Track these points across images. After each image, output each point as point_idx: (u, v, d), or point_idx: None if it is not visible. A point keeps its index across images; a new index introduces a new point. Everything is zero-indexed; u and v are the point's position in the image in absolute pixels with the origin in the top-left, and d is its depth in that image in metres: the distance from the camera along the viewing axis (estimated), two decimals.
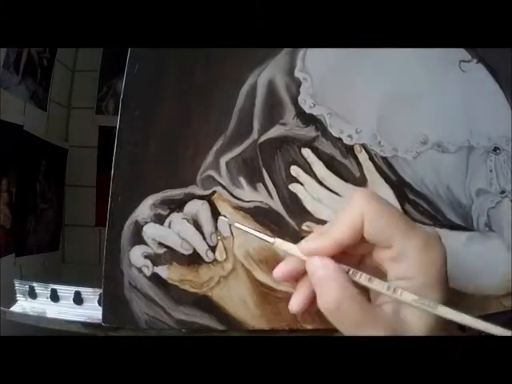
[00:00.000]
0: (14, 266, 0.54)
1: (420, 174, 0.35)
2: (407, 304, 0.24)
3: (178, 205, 0.35)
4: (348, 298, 0.24)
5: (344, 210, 0.25)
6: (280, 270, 0.27)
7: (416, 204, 0.35)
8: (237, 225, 0.30)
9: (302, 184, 0.35)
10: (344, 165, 0.35)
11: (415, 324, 0.24)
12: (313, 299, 0.26)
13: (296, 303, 0.27)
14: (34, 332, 0.39)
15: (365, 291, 0.26)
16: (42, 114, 0.62)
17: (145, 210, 0.35)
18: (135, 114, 0.36)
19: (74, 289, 0.40)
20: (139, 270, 0.36)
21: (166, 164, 0.36)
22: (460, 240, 0.35)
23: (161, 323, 0.36)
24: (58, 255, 0.68)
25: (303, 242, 0.26)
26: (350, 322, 0.24)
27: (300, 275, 0.27)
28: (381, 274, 0.25)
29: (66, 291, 0.40)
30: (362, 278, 0.25)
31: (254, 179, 0.35)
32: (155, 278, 0.36)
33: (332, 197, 0.35)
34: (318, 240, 0.25)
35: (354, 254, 0.27)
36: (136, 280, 0.36)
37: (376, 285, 0.25)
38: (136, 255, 0.36)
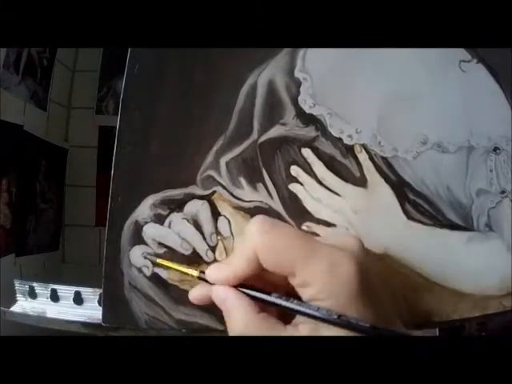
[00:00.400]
0: (14, 266, 0.54)
1: (420, 174, 0.35)
2: (298, 313, 0.24)
3: (178, 205, 0.35)
4: (255, 323, 0.24)
5: (241, 241, 0.26)
6: (193, 294, 0.28)
7: (416, 204, 0.35)
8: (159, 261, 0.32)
9: (301, 184, 0.35)
10: (344, 165, 0.35)
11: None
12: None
13: (194, 295, 0.28)
14: (34, 332, 0.39)
15: (285, 315, 0.26)
16: (42, 114, 0.62)
17: (145, 209, 0.35)
18: (135, 114, 0.36)
19: (74, 289, 0.40)
20: (139, 270, 0.36)
21: (166, 164, 0.36)
22: (460, 240, 0.35)
23: (161, 323, 0.36)
24: (58, 255, 0.68)
25: (209, 268, 0.27)
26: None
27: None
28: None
29: (66, 291, 0.40)
30: (272, 297, 0.25)
31: (254, 179, 0.35)
32: (155, 278, 0.36)
33: (332, 197, 0.35)
34: (220, 271, 0.26)
35: (274, 279, 0.26)
36: (136, 280, 0.36)
37: (284, 302, 0.25)
38: (136, 255, 0.36)
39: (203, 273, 0.28)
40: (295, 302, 0.24)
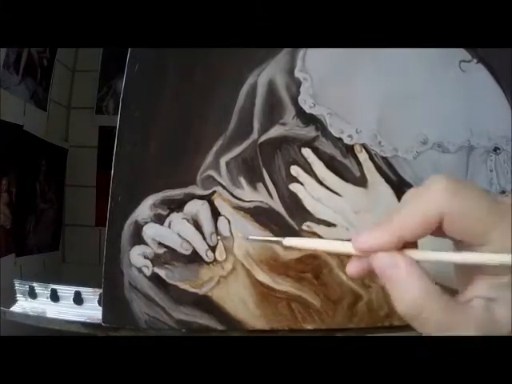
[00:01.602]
0: (14, 266, 0.54)
1: (420, 174, 0.35)
2: (483, 264, 0.21)
3: (177, 205, 0.35)
4: (430, 299, 0.20)
5: (417, 199, 0.21)
6: (351, 269, 0.23)
7: None
8: (251, 237, 0.27)
9: (302, 184, 0.35)
10: (344, 165, 0.35)
11: (507, 321, 0.20)
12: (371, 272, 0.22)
13: (352, 270, 0.23)
14: (34, 332, 0.39)
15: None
16: (42, 114, 0.62)
17: (145, 210, 0.35)
18: (135, 114, 0.36)
19: (74, 289, 0.40)
20: (139, 270, 0.36)
21: (166, 164, 0.36)
22: None
23: (161, 323, 0.36)
24: (58, 255, 0.68)
25: (359, 237, 0.22)
26: (435, 324, 0.21)
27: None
28: None
29: (66, 291, 0.40)
30: (430, 254, 0.21)
31: (254, 179, 0.35)
32: (155, 278, 0.36)
33: (332, 197, 0.35)
34: (376, 234, 0.21)
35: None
36: (136, 280, 0.36)
37: (448, 256, 0.21)
38: (136, 255, 0.36)
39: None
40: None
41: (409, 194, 0.23)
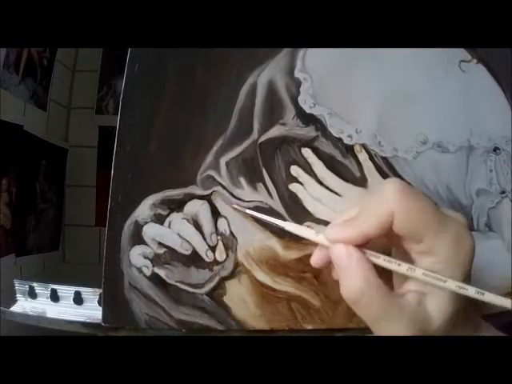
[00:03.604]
0: (14, 266, 0.54)
1: (420, 174, 0.35)
2: (417, 279, 0.24)
3: (177, 205, 0.35)
4: (371, 288, 0.23)
5: (375, 199, 0.24)
6: (314, 259, 0.27)
7: None
8: (248, 211, 0.30)
9: (301, 184, 0.35)
10: (344, 165, 0.35)
11: (436, 315, 0.23)
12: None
13: (315, 260, 0.27)
14: (34, 332, 0.39)
15: (388, 280, 0.25)
16: (42, 113, 0.62)
17: (145, 210, 0.35)
18: (135, 114, 0.36)
19: (74, 289, 0.40)
20: (139, 270, 0.36)
21: (166, 164, 0.36)
22: None
23: (161, 323, 0.36)
24: (58, 255, 0.68)
25: (328, 228, 0.26)
26: (373, 312, 0.23)
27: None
28: (408, 259, 0.25)
29: (66, 291, 0.40)
30: (381, 260, 0.25)
31: (254, 179, 0.35)
32: (155, 278, 0.36)
33: (332, 197, 0.35)
34: (345, 229, 0.25)
35: (380, 241, 0.26)
36: (136, 280, 0.36)
37: (393, 266, 0.24)
38: (136, 255, 0.36)
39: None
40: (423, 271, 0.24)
41: (367, 199, 0.26)
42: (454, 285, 0.23)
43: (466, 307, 0.24)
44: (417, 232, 0.23)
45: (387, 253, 0.26)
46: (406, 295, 0.24)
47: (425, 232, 0.23)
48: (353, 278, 0.24)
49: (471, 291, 0.23)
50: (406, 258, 0.25)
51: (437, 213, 0.24)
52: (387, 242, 0.26)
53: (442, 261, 0.23)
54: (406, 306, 0.24)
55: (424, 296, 0.24)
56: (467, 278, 0.24)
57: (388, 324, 0.23)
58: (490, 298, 0.23)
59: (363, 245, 0.25)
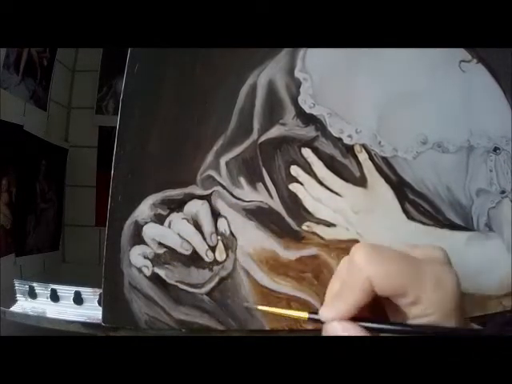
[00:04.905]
0: (14, 266, 0.54)
1: (420, 174, 0.35)
2: None
3: (177, 205, 0.35)
4: None
5: (349, 271, 0.25)
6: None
7: (416, 204, 0.35)
8: (260, 308, 0.31)
9: (301, 184, 0.35)
10: (344, 165, 0.35)
11: None
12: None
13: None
14: (34, 332, 0.39)
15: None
16: (42, 113, 0.62)
17: (145, 209, 0.35)
18: (135, 114, 0.36)
19: (73, 289, 0.40)
20: (139, 270, 0.36)
21: (166, 164, 0.36)
22: (460, 240, 0.35)
23: (161, 323, 0.36)
24: (58, 255, 0.68)
25: (322, 309, 0.26)
26: None
27: None
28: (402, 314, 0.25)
29: (66, 291, 0.40)
30: (375, 324, 0.25)
31: (254, 179, 0.35)
32: (155, 278, 0.36)
33: (332, 197, 0.35)
34: (336, 307, 0.25)
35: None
36: (136, 280, 0.36)
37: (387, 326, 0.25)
38: (136, 255, 0.36)
39: (314, 313, 0.27)
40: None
41: (343, 268, 0.26)
42: None
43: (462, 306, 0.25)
44: (397, 288, 0.24)
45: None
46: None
47: (405, 285, 0.24)
48: None
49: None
50: (398, 312, 0.25)
51: (411, 263, 0.24)
52: (378, 302, 0.26)
53: (430, 306, 0.24)
54: None
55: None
56: (460, 311, 0.24)
57: None
58: None
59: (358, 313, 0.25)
